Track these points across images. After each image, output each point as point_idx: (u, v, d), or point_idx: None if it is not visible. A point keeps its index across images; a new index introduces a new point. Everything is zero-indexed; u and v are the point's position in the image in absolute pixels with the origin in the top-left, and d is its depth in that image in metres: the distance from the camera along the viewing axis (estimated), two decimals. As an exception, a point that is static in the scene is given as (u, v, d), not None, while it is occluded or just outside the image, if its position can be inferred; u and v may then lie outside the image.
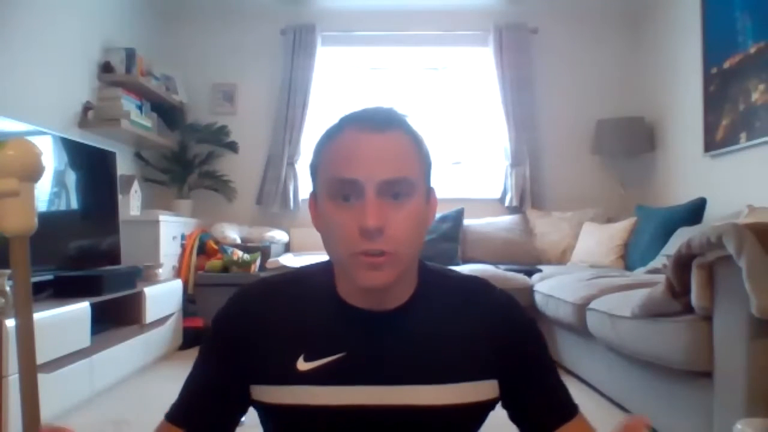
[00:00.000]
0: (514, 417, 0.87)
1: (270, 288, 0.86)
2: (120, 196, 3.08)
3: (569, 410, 0.85)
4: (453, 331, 0.81)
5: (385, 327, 0.80)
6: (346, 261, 0.74)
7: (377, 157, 0.72)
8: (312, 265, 0.90)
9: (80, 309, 2.20)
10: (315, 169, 0.80)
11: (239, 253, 3.58)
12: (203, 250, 3.66)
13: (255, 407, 0.84)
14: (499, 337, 0.82)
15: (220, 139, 4.13)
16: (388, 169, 0.72)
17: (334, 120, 0.81)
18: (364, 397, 0.78)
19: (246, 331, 0.81)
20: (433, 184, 0.82)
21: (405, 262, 0.75)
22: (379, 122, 0.75)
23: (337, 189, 0.73)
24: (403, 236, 0.72)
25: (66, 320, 2.11)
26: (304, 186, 4.14)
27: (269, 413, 0.82)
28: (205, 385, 0.83)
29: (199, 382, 0.83)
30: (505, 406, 0.87)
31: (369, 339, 0.79)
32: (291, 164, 4.12)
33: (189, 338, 3.22)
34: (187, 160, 4.09)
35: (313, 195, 0.81)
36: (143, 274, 3.00)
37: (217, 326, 0.85)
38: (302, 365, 0.78)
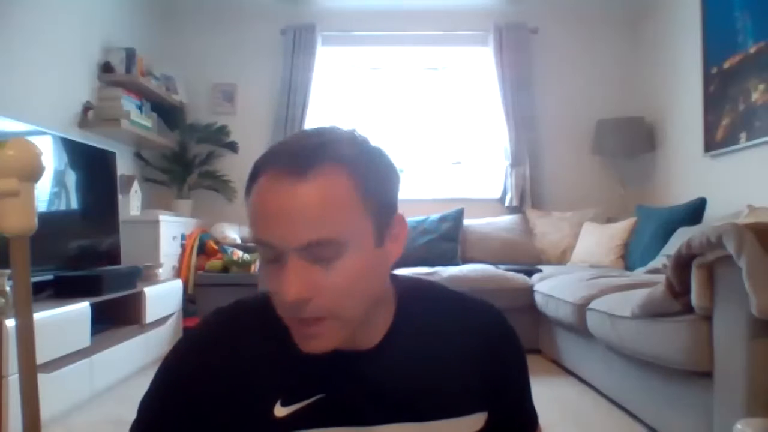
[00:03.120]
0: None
1: (235, 326, 0.74)
2: (120, 196, 3.08)
3: (534, 424, 0.86)
4: (437, 364, 0.74)
5: (361, 366, 0.72)
6: (289, 325, 0.65)
7: (292, 216, 0.59)
8: None
9: (80, 309, 2.20)
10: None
11: (239, 253, 3.58)
12: (203, 250, 3.66)
13: None
14: (485, 361, 0.77)
15: (220, 139, 4.13)
16: (305, 230, 0.59)
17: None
18: None
19: (206, 386, 0.70)
20: (395, 217, 0.69)
21: (350, 321, 0.65)
22: (300, 162, 0.60)
23: (264, 253, 0.63)
24: (337, 302, 0.62)
25: (66, 320, 2.11)
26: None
27: None
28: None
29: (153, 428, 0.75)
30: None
31: (346, 379, 0.72)
32: (291, 164, 4.11)
33: (189, 338, 3.21)
34: (187, 160, 4.09)
35: None
36: (143, 274, 3.00)
37: (171, 377, 0.72)
38: (279, 411, 0.70)
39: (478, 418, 0.77)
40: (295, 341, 0.65)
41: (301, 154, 0.61)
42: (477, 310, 0.80)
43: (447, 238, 3.65)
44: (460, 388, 0.75)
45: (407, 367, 0.73)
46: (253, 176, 0.65)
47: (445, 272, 3.14)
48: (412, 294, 0.77)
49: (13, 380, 1.76)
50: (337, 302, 0.62)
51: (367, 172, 0.63)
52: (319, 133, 0.65)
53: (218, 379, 0.70)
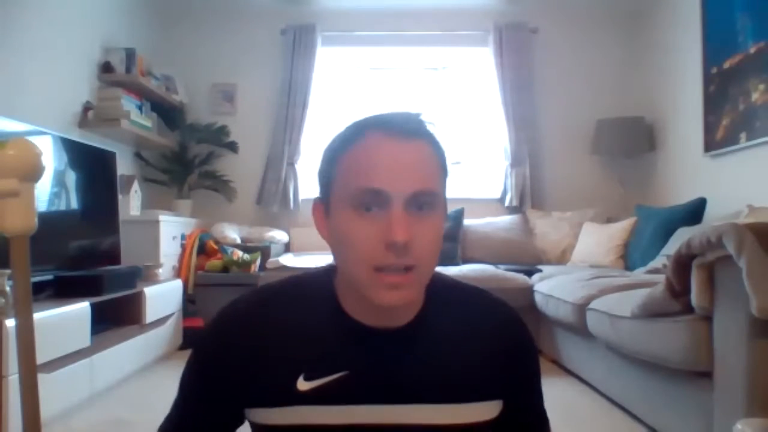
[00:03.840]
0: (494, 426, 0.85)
1: (263, 303, 0.79)
2: (120, 196, 3.08)
3: (544, 423, 0.89)
4: (460, 350, 0.78)
5: (391, 345, 0.75)
6: (364, 277, 0.68)
7: (406, 167, 0.67)
8: (310, 273, 0.84)
9: (80, 309, 2.20)
10: (328, 177, 0.73)
11: (239, 253, 3.58)
12: (203, 250, 3.66)
13: (251, 425, 0.81)
14: (507, 359, 0.81)
15: (220, 139, 4.13)
16: (416, 180, 0.67)
17: (349, 126, 0.74)
18: (368, 416, 0.75)
19: (234, 358, 0.75)
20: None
21: (426, 278, 0.72)
22: (407, 129, 0.70)
23: (359, 199, 0.68)
24: (428, 250, 0.69)
25: (66, 320, 2.11)
26: (304, 186, 4.14)
27: None
28: (196, 406, 0.79)
29: (190, 402, 0.79)
30: (494, 423, 0.85)
31: (374, 357, 0.75)
32: (291, 164, 4.12)
33: (189, 338, 3.21)
34: (187, 160, 4.09)
35: (322, 202, 0.76)
36: (143, 274, 3.00)
37: (203, 351, 0.78)
38: (302, 385, 0.73)
39: (494, 406, 0.80)
40: (372, 295, 0.69)
41: (405, 126, 0.70)
42: (500, 304, 0.85)
43: (447, 238, 3.65)
44: (479, 374, 0.78)
45: (433, 350, 0.77)
46: (359, 133, 0.71)
47: (445, 272, 3.13)
48: (441, 282, 0.82)
49: (13, 380, 1.75)
50: (425, 253, 0.68)
51: (443, 155, 0.74)
52: (415, 116, 0.74)
53: (245, 350, 0.74)
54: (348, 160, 0.70)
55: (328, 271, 0.80)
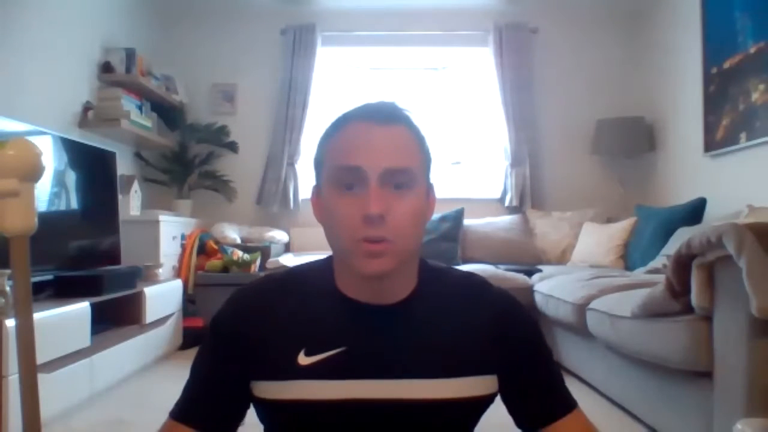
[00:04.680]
0: (512, 410, 0.88)
1: (269, 284, 0.87)
2: (120, 196, 3.08)
3: (568, 404, 0.86)
4: (453, 326, 0.82)
5: (385, 321, 0.80)
6: (348, 248, 0.75)
7: (381, 147, 0.75)
8: (311, 263, 0.91)
9: (80, 309, 2.20)
10: (319, 162, 0.81)
11: (239, 253, 3.58)
12: (203, 250, 3.66)
13: (255, 404, 0.84)
14: (498, 330, 0.83)
15: (220, 139, 4.13)
16: (391, 158, 0.74)
17: (336, 117, 0.82)
18: (365, 392, 0.78)
19: (245, 328, 0.81)
20: (432, 182, 0.85)
21: (404, 251, 0.76)
22: (384, 115, 0.77)
23: (341, 177, 0.75)
24: (403, 225, 0.74)
25: (66, 320, 2.11)
26: (304, 186, 4.14)
27: (270, 409, 0.83)
28: (208, 383, 0.83)
29: (202, 380, 0.84)
30: (504, 400, 0.88)
31: (369, 333, 0.80)
32: (291, 164, 4.12)
33: (189, 338, 3.22)
34: (187, 160, 4.09)
35: (317, 189, 0.83)
36: (143, 274, 3.00)
37: (216, 324, 0.85)
38: (303, 360, 0.79)
39: (490, 381, 0.84)
40: (355, 264, 0.75)
41: (382, 112, 0.78)
42: (490, 285, 0.90)
43: (447, 238, 3.65)
44: (472, 348, 0.82)
45: (425, 327, 0.81)
46: (343, 120, 0.79)
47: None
48: (431, 266, 0.88)
49: (13, 380, 1.75)
50: (401, 227, 0.74)
51: (422, 139, 0.81)
52: (390, 104, 0.81)
53: (252, 323, 0.81)
54: (333, 143, 0.79)
55: (327, 260, 0.87)
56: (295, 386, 0.79)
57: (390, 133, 0.76)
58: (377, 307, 0.81)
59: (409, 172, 0.76)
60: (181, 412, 0.82)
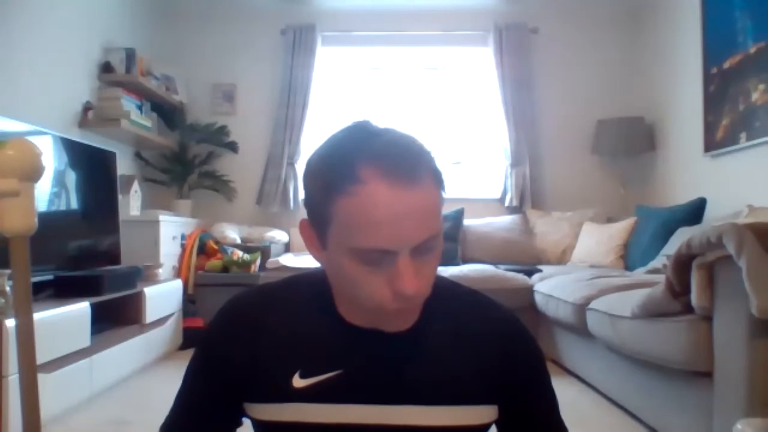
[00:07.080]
0: None
1: (263, 297, 0.82)
2: (120, 196, 3.08)
3: None
4: (456, 354, 0.79)
5: (386, 347, 0.76)
6: (371, 309, 0.70)
7: (411, 221, 0.65)
8: (307, 274, 0.85)
9: (80, 309, 2.20)
10: (322, 215, 0.68)
11: (239, 253, 3.58)
12: (203, 250, 3.66)
13: (250, 420, 0.82)
14: (503, 361, 0.80)
15: (220, 139, 4.14)
16: (422, 230, 0.66)
17: (342, 158, 0.67)
18: (361, 416, 0.76)
19: (235, 350, 0.77)
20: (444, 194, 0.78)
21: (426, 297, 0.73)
22: (407, 171, 0.65)
23: (364, 257, 0.66)
24: (429, 283, 0.71)
25: (66, 320, 2.11)
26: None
27: (264, 429, 0.81)
28: (197, 402, 0.81)
29: (191, 399, 0.81)
30: (499, 429, 0.85)
31: (368, 358, 0.76)
32: (291, 164, 4.12)
33: (189, 338, 3.22)
34: (187, 160, 4.10)
35: (312, 228, 0.72)
36: (143, 274, 3.00)
37: (205, 344, 0.81)
38: (298, 382, 0.75)
39: (489, 411, 0.80)
40: (375, 320, 0.72)
41: (406, 167, 0.65)
42: (498, 308, 0.85)
43: (447, 238, 3.65)
44: (473, 377, 0.78)
45: (427, 352, 0.78)
46: (348, 174, 0.64)
47: (445, 272, 3.14)
48: (439, 287, 0.79)
49: (13, 380, 1.75)
50: (428, 285, 0.71)
51: (441, 180, 0.71)
52: (412, 150, 0.69)
53: (245, 344, 0.77)
54: (346, 208, 0.65)
55: (325, 277, 0.80)
56: (289, 409, 0.76)
57: (418, 197, 0.65)
58: (378, 333, 0.75)
59: (437, 236, 0.68)
60: (169, 429, 0.81)
